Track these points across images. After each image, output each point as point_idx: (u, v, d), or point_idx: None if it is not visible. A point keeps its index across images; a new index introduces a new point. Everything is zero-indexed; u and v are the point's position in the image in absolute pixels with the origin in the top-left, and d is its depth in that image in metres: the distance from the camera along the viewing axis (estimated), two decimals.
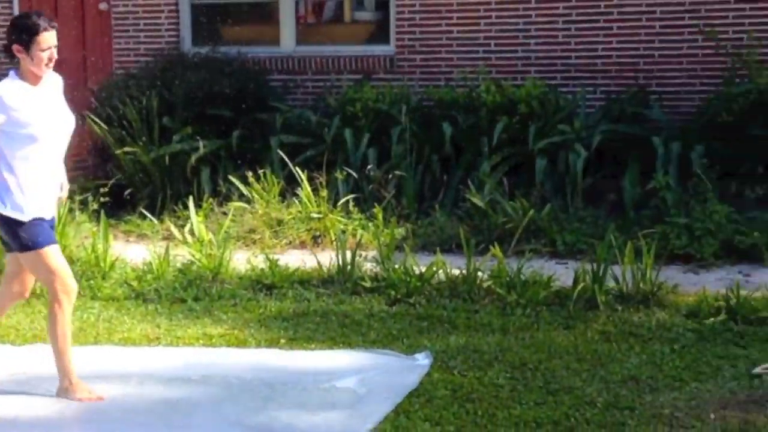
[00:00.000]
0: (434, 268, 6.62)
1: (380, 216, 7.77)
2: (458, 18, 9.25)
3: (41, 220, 4.81)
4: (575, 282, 6.31)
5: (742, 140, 8.12)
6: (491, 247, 6.81)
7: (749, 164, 8.02)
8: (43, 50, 4.73)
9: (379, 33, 9.76)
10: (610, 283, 6.33)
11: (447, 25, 9.28)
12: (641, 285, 6.26)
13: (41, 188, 4.82)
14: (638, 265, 6.33)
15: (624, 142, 8.37)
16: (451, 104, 8.90)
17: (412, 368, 5.23)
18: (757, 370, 5.15)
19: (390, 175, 8.39)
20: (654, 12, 8.79)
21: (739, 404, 4.73)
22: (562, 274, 6.68)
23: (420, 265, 6.70)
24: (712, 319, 5.87)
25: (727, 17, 8.59)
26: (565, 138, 8.37)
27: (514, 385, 5.02)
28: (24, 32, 4.71)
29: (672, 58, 8.73)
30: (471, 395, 4.88)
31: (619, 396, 4.85)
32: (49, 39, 4.74)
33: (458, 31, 9.31)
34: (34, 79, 4.80)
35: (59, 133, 4.87)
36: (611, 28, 8.92)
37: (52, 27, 4.77)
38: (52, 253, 4.82)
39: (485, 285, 6.48)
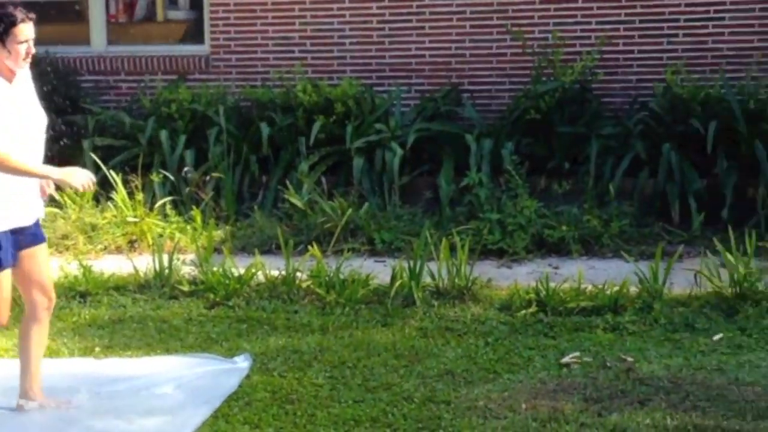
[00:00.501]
0: (253, 270, 6.59)
1: (198, 218, 7.69)
2: (273, 17, 9.23)
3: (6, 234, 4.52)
4: (393, 279, 6.41)
5: (549, 137, 8.43)
6: (310, 247, 6.84)
7: (557, 160, 8.32)
8: (20, 43, 4.45)
9: (194, 32, 9.64)
10: (427, 280, 6.46)
11: (262, 24, 9.25)
12: (456, 280, 6.42)
13: (24, 193, 4.54)
14: (453, 261, 6.48)
15: (439, 139, 8.55)
16: (268, 104, 8.89)
17: (231, 371, 5.20)
18: (566, 359, 5.36)
19: (208, 177, 8.31)
20: (464, 12, 9.00)
21: (548, 393, 4.91)
22: (381, 272, 6.77)
23: (239, 267, 6.66)
24: (523, 311, 6.07)
25: (533, 17, 8.88)
26: (381, 137, 8.48)
27: (333, 384, 5.06)
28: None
29: (482, 57, 8.96)
30: (290, 396, 4.90)
31: (436, 390, 4.96)
32: (26, 31, 4.47)
33: (273, 31, 9.29)
34: (8, 75, 4.50)
35: (37, 131, 4.60)
36: (423, 28, 9.09)
37: (30, 18, 4.51)
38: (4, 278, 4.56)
39: (304, 285, 6.51)
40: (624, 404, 4.76)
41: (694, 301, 6.11)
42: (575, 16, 8.81)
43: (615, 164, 8.14)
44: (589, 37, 8.76)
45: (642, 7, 8.69)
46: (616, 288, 6.16)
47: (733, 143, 8.05)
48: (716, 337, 5.59)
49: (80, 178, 4.51)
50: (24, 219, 4.57)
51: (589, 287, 6.25)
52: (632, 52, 8.75)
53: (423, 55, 9.11)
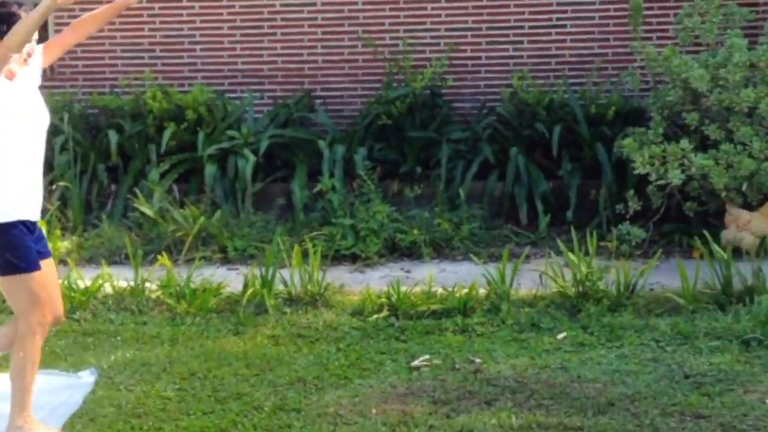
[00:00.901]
0: (100, 281, 6.46)
1: (44, 229, 7.47)
2: (121, 23, 9.06)
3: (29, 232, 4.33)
4: (245, 287, 6.37)
5: (401, 142, 8.52)
6: (160, 257, 6.75)
7: (408, 165, 8.42)
8: None
9: (38, 38, 9.36)
10: (280, 287, 6.45)
11: (110, 30, 9.07)
12: (309, 287, 6.42)
13: (28, 190, 4.37)
14: (306, 268, 6.49)
15: (292, 146, 8.55)
16: (117, 112, 8.74)
17: (75, 387, 5.08)
18: (416, 362, 5.42)
19: (54, 186, 8.11)
20: (315, 19, 9.03)
21: (399, 397, 4.96)
22: (233, 280, 6.73)
23: (86, 278, 6.52)
24: (375, 316, 6.12)
25: (383, 24, 8.97)
26: (233, 143, 8.43)
27: (182, 396, 5.00)
28: (2, 22, 4.29)
29: (334, 64, 9.00)
30: (137, 410, 4.81)
31: (287, 398, 4.95)
32: None
33: (122, 37, 9.13)
34: (10, 74, 4.36)
35: (41, 129, 4.46)
36: (275, 34, 9.07)
37: None
38: (39, 281, 4.33)
39: (154, 296, 6.41)
40: (472, 405, 4.85)
41: (540, 301, 6.27)
42: (424, 23, 8.94)
43: (465, 168, 8.30)
44: (438, 44, 8.90)
45: (488, 14, 8.87)
46: (466, 290, 6.27)
47: (577, 146, 8.30)
48: (560, 336, 5.75)
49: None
50: (35, 213, 4.42)
51: (440, 290, 6.35)
52: (480, 58, 8.93)
53: (275, 62, 9.10)
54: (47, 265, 4.46)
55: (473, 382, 5.13)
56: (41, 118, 4.50)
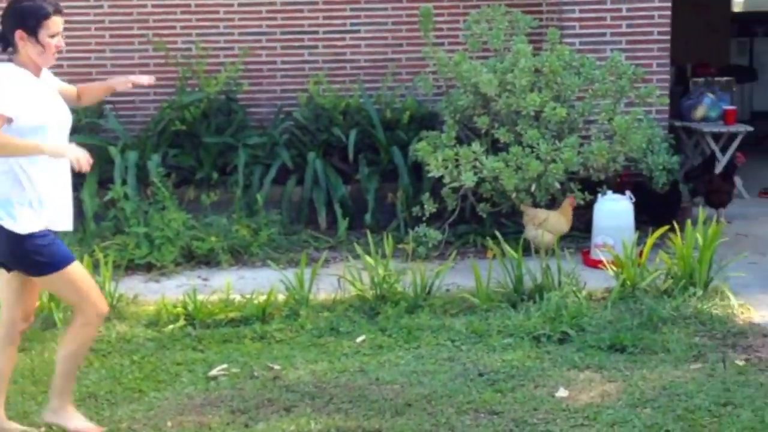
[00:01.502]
0: None
1: None
2: None
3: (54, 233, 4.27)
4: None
5: (196, 148, 8.38)
6: None
7: (205, 171, 8.29)
8: (52, 36, 4.21)
9: None
10: None
11: None
12: None
13: (60, 195, 4.30)
14: (97, 279, 6.26)
15: None
16: None
17: None
18: (213, 372, 5.32)
19: None
20: (103, 21, 8.77)
21: (195, 408, 4.85)
22: None
23: None
24: (171, 326, 5.98)
25: (174, 28, 8.80)
26: None
27: None
28: (30, 16, 4.17)
29: (124, 68, 8.73)
30: None
31: None
32: (58, 24, 4.24)
33: None
34: (35, 69, 4.25)
35: (64, 128, 4.33)
36: None
37: (61, 11, 4.26)
38: (77, 272, 4.33)
39: None
40: (270, 412, 4.80)
41: (339, 305, 6.27)
42: (218, 26, 8.82)
43: (263, 173, 8.24)
44: (232, 48, 8.80)
45: (282, 18, 8.84)
46: (264, 297, 6.21)
47: (374, 150, 8.38)
48: (359, 339, 5.77)
49: (75, 152, 4.14)
50: (65, 224, 4.37)
51: (238, 297, 6.26)
52: (275, 63, 8.88)
53: (61, 65, 8.71)
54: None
55: (272, 389, 5.08)
56: (66, 118, 4.39)
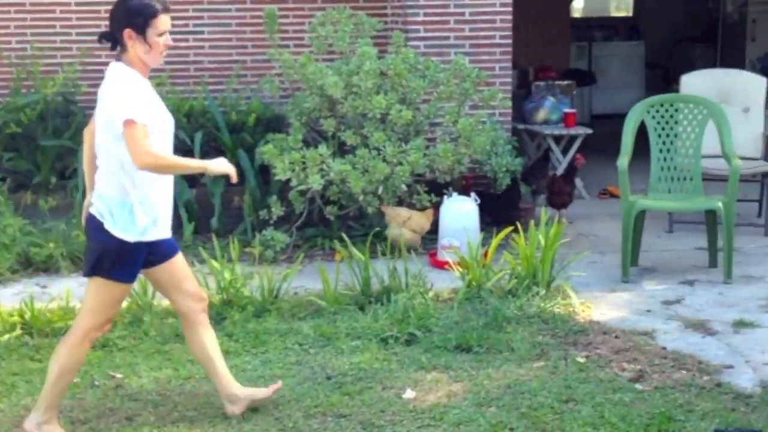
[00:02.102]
0: None
1: None
2: None
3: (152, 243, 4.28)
4: None
5: (33, 151, 8.09)
6: None
7: (42, 175, 8.01)
8: (160, 35, 4.15)
9: None
10: None
11: None
12: None
13: (164, 200, 4.29)
14: None
15: None
16: None
17: None
18: None
19: None
20: None
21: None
22: None
23: None
24: (7, 336, 5.74)
25: (9, 27, 8.48)
26: None
27: None
28: (138, 15, 4.10)
29: None
30: None
31: None
32: (167, 22, 4.17)
33: None
34: (143, 69, 4.21)
35: (170, 130, 4.32)
36: None
37: (169, 9, 4.19)
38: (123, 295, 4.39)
39: None
40: (112, 422, 4.66)
41: None
42: (54, 26, 8.54)
43: None
44: (70, 48, 8.54)
45: None
46: None
47: (220, 153, 8.24)
48: None
49: (227, 165, 4.35)
50: (166, 231, 4.37)
51: (79, 305, 6.02)
52: None
53: None
54: (178, 258, 4.51)
55: (114, 398, 4.94)
56: (169, 119, 4.35)
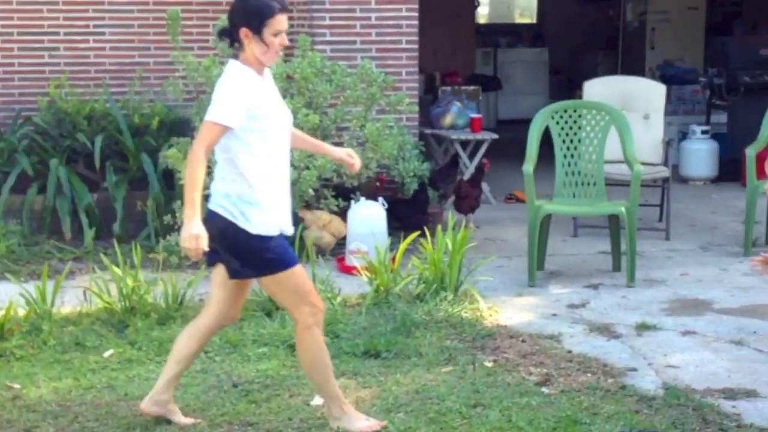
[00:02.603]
0: None
1: None
2: None
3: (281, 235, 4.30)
4: None
5: None
6: None
7: None
8: (276, 34, 4.16)
9: None
10: None
11: None
12: None
13: (282, 197, 4.32)
14: None
15: None
16: None
17: None
18: None
19: None
20: None
21: None
22: None
23: None
24: None
25: None
26: None
27: None
28: (255, 14, 4.13)
29: None
30: None
31: None
32: (283, 22, 4.17)
33: None
34: (258, 68, 4.24)
35: (286, 127, 4.37)
36: None
37: (287, 9, 4.19)
38: (301, 273, 4.32)
39: None
40: None
41: (85, 318, 5.98)
42: None
43: (1, 181, 7.81)
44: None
45: (19, 19, 8.40)
46: (2, 312, 5.83)
47: (122, 157, 8.09)
48: (107, 354, 5.51)
49: (185, 243, 4.21)
50: (287, 224, 4.38)
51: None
52: (13, 65, 8.43)
53: None
54: None
55: (11, 409, 4.78)
56: (287, 119, 4.41)
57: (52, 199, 7.78)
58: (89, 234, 7.59)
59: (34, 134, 8.11)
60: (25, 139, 8.07)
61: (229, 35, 4.26)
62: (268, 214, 4.25)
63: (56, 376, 5.22)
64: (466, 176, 8.99)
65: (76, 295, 6.27)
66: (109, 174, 7.91)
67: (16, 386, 5.06)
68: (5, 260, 7.16)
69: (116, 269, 6.15)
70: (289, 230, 4.43)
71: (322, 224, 7.41)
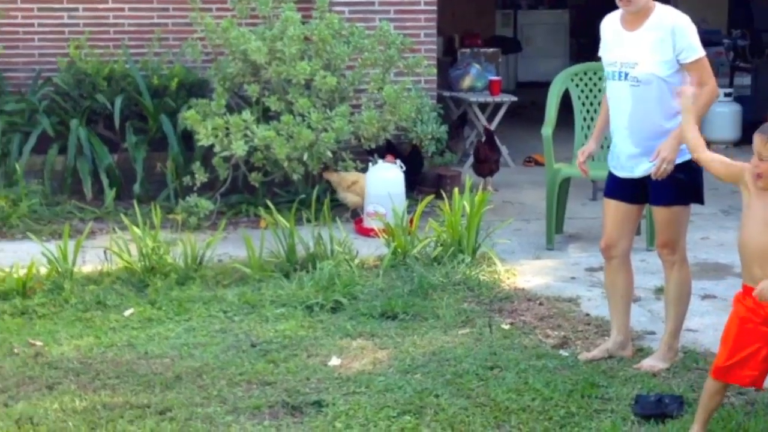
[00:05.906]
0: None
1: None
2: None
3: None
4: None
5: None
6: None
7: None
8: None
9: None
10: None
11: None
12: None
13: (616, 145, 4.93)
14: None
15: None
16: None
17: None
18: None
19: None
20: None
21: None
22: None
23: None
24: None
25: None
26: None
27: None
28: None
29: None
30: None
31: None
32: None
33: None
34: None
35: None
36: None
37: None
38: None
39: None
40: (32, 391, 4.57)
41: (106, 277, 6.03)
42: None
43: (22, 141, 7.83)
44: None
45: None
46: (25, 271, 5.89)
47: (141, 118, 8.11)
48: (127, 313, 5.57)
49: None
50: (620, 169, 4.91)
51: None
52: (32, 25, 8.42)
53: None
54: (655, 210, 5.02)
55: (33, 366, 4.84)
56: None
57: (72, 160, 7.81)
58: (110, 194, 7.63)
59: (54, 95, 8.13)
60: (46, 99, 8.09)
61: None
62: None
63: (78, 334, 5.28)
64: (472, 138, 8.96)
65: (97, 254, 6.32)
66: (129, 135, 7.94)
67: (39, 343, 5.13)
68: (27, 220, 7.22)
69: (136, 229, 6.20)
70: (622, 174, 4.98)
71: (346, 185, 7.46)
